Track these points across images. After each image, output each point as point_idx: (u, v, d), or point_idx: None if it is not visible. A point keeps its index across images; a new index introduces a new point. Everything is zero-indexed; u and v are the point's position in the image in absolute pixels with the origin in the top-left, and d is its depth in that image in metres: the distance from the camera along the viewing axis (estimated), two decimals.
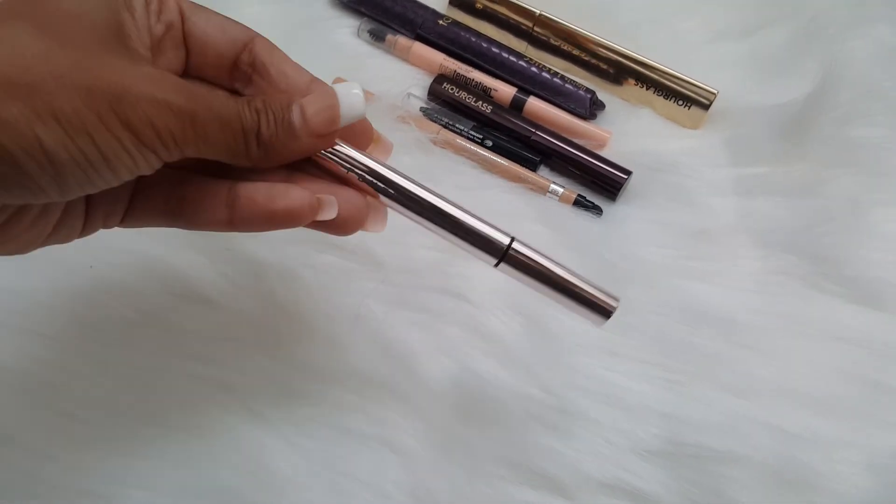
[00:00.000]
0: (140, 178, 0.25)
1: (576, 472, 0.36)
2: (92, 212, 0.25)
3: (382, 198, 0.26)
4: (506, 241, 0.26)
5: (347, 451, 0.36)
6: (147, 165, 0.22)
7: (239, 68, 0.26)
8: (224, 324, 0.39)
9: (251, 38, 0.26)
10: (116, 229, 0.27)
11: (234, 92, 0.27)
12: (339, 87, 0.25)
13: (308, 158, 0.26)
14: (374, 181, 0.26)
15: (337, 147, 0.25)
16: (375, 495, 0.35)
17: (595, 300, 0.26)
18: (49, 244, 0.25)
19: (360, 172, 0.26)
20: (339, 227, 0.26)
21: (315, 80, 0.26)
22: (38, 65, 0.19)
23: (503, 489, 0.36)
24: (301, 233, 0.42)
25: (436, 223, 0.26)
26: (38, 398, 0.37)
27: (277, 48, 0.26)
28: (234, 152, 0.23)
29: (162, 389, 0.37)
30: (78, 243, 0.26)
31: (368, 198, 0.26)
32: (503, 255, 0.26)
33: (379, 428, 0.37)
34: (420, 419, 0.37)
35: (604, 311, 0.26)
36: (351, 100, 0.24)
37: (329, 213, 0.25)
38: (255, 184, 0.24)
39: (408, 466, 0.36)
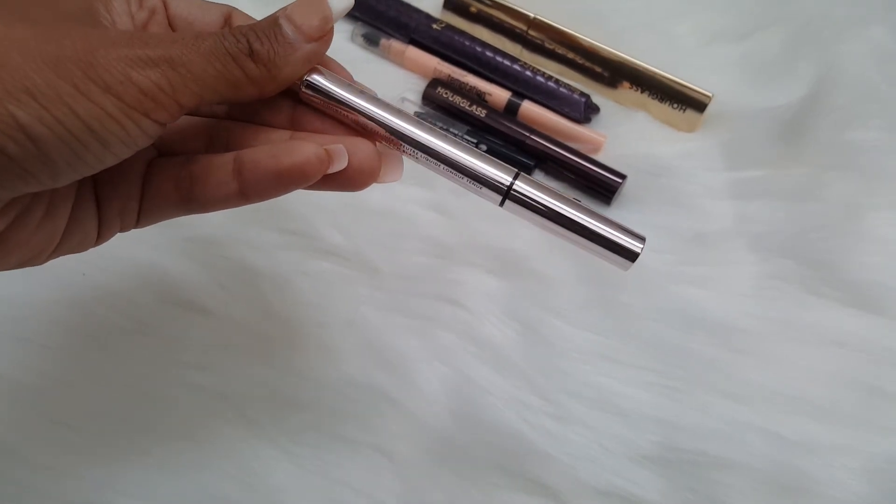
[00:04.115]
0: (147, 168, 0.25)
1: (571, 478, 0.36)
2: (105, 212, 0.25)
3: (401, 146, 0.26)
4: (509, 176, 0.26)
5: (341, 458, 0.36)
6: (140, 132, 0.21)
7: None
8: (218, 331, 0.39)
9: (229, 11, 0.27)
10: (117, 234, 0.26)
11: None
12: None
13: (313, 110, 0.25)
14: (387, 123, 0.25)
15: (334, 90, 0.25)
16: (369, 503, 0.35)
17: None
18: (64, 253, 0.24)
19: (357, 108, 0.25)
20: (352, 179, 0.25)
21: None
22: (1, 43, 0.19)
23: (498, 497, 0.35)
24: (295, 239, 0.42)
25: (445, 156, 0.26)
26: (32, 406, 0.36)
27: (251, 17, 0.26)
28: (233, 81, 0.22)
29: (156, 398, 0.37)
30: None
31: (378, 144, 0.26)
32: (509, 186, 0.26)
33: (373, 435, 0.37)
34: (414, 426, 0.37)
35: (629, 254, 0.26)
36: None
37: (340, 163, 0.24)
38: (258, 147, 0.24)
39: (402, 474, 0.36)
